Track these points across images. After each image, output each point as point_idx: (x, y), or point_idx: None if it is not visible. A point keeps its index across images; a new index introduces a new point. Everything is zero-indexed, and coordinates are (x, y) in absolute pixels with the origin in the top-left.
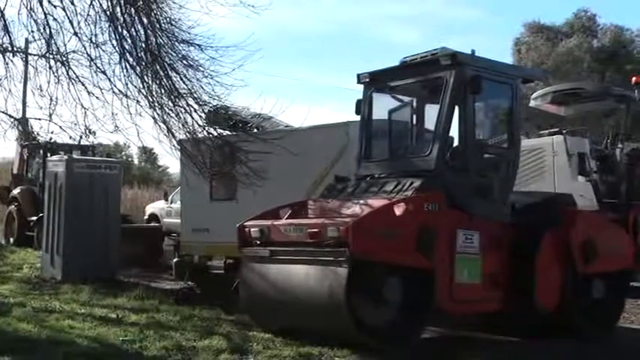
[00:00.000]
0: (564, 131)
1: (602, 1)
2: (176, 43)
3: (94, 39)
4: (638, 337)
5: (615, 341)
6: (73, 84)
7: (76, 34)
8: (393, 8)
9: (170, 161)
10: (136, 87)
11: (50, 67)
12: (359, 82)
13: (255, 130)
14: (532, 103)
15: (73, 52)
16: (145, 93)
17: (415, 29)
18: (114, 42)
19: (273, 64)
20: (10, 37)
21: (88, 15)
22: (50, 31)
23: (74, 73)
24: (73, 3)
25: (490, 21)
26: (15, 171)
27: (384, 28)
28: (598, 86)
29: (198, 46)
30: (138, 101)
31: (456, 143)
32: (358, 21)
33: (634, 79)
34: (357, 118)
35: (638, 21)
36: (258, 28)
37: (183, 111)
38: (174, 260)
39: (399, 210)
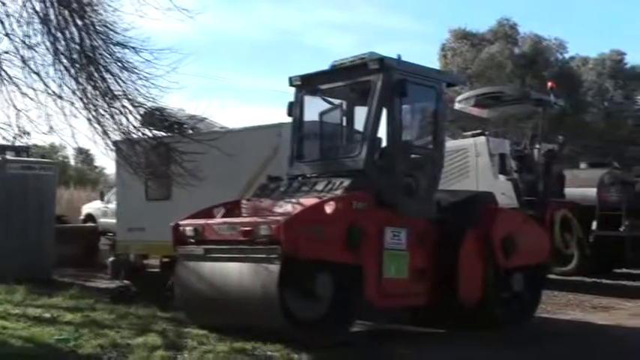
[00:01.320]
0: (487, 133)
1: (522, 11)
2: (111, 46)
3: (27, 40)
4: (553, 324)
5: (531, 329)
6: (5, 85)
7: (7, 35)
8: (328, 15)
9: (106, 162)
10: (70, 88)
11: None
12: (291, 84)
13: (190, 132)
14: (457, 106)
15: (6, 52)
16: (79, 94)
17: (350, 36)
18: (47, 43)
19: (209, 67)
20: None
21: (20, 16)
22: None
23: (7, 73)
24: (4, 4)
25: (420, 28)
26: None
27: (319, 34)
28: (518, 90)
29: (133, 48)
30: (72, 103)
31: (384, 144)
32: (293, 27)
33: (549, 84)
34: (290, 119)
35: (555, 31)
36: (194, 33)
37: (118, 112)
38: (110, 259)
39: (329, 208)
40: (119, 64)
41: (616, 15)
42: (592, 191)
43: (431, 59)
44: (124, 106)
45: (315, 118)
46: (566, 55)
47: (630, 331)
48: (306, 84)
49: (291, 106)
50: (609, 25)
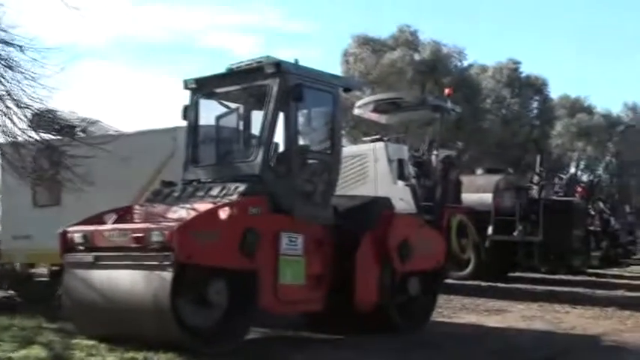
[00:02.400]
0: (385, 139)
1: (423, 19)
2: None
3: None
4: (448, 327)
5: (427, 333)
6: None
7: None
8: (231, 19)
9: None
10: None
11: None
12: (186, 87)
13: (82, 135)
14: (356, 111)
15: None
16: None
17: (254, 40)
18: None
19: (104, 68)
20: None
21: None
22: None
23: None
24: None
25: (323, 33)
26: None
27: (222, 37)
28: (416, 97)
29: (19, 46)
30: None
31: (280, 149)
32: (193, 29)
33: (447, 91)
34: (185, 123)
35: (454, 38)
36: (88, 32)
37: (2, 114)
38: None
39: (223, 214)
40: (3, 62)
41: (512, 24)
42: (488, 197)
43: (333, 65)
44: (8, 107)
45: (211, 122)
46: (465, 63)
47: (521, 333)
48: (202, 87)
49: (186, 109)
50: (506, 34)
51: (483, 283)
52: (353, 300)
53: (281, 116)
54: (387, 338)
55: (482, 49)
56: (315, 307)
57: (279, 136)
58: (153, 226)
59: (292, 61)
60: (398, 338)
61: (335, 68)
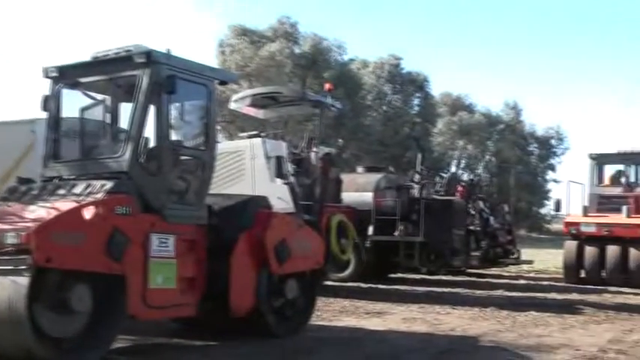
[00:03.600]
0: (263, 135)
1: (303, 10)
2: None
3: None
4: (327, 331)
5: (306, 337)
6: None
7: None
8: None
9: None
10: None
11: None
12: (46, 76)
13: None
14: (232, 106)
15: None
16: None
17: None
18: None
19: None
20: None
21: None
22: None
23: None
24: None
25: (198, 22)
26: None
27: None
28: (295, 91)
29: None
30: None
31: (151, 145)
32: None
33: (327, 86)
34: (45, 115)
35: (335, 32)
36: None
37: None
38: None
39: (87, 213)
40: None
41: (393, 19)
42: (368, 196)
43: (208, 56)
44: None
45: (75, 114)
46: (346, 57)
47: (401, 335)
48: (64, 76)
49: (46, 99)
50: (387, 29)
51: (364, 285)
52: (227, 304)
53: (151, 109)
54: (263, 344)
55: (363, 43)
56: (187, 312)
57: (149, 131)
58: (7, 227)
59: (164, 50)
60: (275, 344)
61: (210, 60)
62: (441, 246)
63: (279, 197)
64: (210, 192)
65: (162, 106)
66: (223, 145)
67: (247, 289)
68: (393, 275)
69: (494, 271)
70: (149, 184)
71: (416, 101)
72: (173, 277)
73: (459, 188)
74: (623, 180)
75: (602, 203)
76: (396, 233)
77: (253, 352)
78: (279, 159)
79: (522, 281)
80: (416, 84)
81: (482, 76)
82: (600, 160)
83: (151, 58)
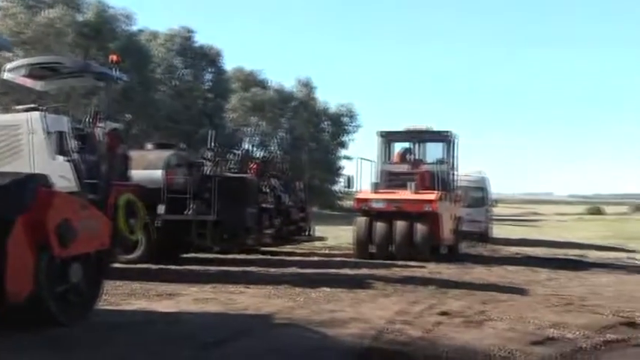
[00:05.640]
0: (42, 108)
1: None
2: None
3: None
4: (116, 315)
5: (93, 322)
6: None
7: None
8: None
9: None
10: None
11: None
12: None
13: None
14: (6, 76)
15: None
16: None
17: None
18: None
19: None
20: None
21: None
22: None
23: None
24: None
25: None
26: None
27: None
28: (77, 62)
29: None
30: None
31: None
32: None
33: (113, 57)
34: None
35: (124, 0)
36: None
37: None
38: None
39: None
40: None
41: None
42: (158, 173)
43: None
44: None
45: None
46: (135, 28)
47: (194, 316)
48: None
49: None
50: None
51: (154, 266)
52: (3, 290)
53: None
54: (44, 332)
55: (153, 14)
56: None
57: None
58: None
59: None
60: (59, 331)
61: None
62: (234, 224)
63: (61, 175)
64: None
65: None
66: None
67: (25, 273)
68: (185, 255)
69: (287, 248)
70: None
71: (209, 76)
72: None
73: (252, 166)
74: (409, 157)
75: (391, 180)
76: (188, 212)
77: (32, 343)
78: (60, 134)
79: (315, 258)
80: (208, 58)
81: (276, 52)
82: (389, 138)
83: None
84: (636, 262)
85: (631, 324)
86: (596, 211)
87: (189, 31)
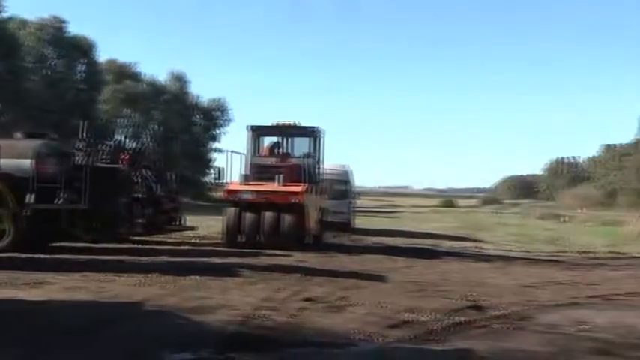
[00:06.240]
0: None
1: None
2: None
3: None
4: None
5: None
6: None
7: None
8: None
9: None
10: None
11: None
12: None
13: None
14: None
15: None
16: None
17: None
18: None
19: None
20: None
21: None
22: None
23: None
24: None
25: None
26: None
27: None
28: None
29: None
30: None
31: None
32: None
33: None
34: None
35: None
36: None
37: None
38: None
39: None
40: None
41: None
42: (28, 163)
43: None
44: None
45: None
46: (5, 15)
47: (63, 304)
48: None
49: None
50: None
51: (23, 255)
52: None
53: None
54: None
55: (23, 1)
56: None
57: None
58: None
59: None
60: None
61: None
62: (105, 214)
63: None
64: None
65: None
66: None
67: None
68: (55, 244)
69: (158, 237)
70: None
71: (81, 67)
72: None
73: (124, 157)
74: (277, 151)
75: (260, 172)
76: (59, 201)
77: None
78: None
79: (186, 247)
80: (81, 49)
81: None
82: (258, 132)
83: None
84: (483, 250)
85: (477, 307)
86: (449, 204)
87: (61, 21)
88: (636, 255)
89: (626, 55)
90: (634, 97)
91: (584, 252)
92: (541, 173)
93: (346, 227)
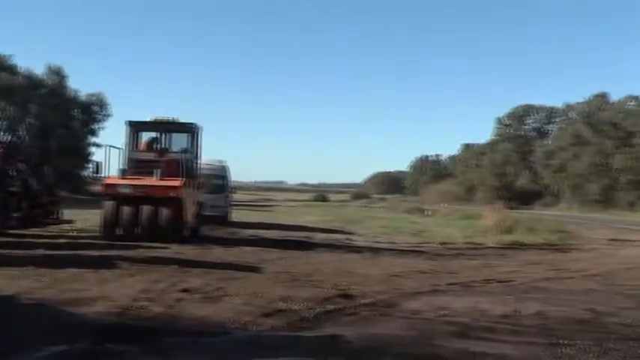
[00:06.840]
0: None
1: None
2: None
3: None
4: None
5: None
6: None
7: None
8: None
9: None
10: None
11: None
12: None
13: None
14: None
15: None
16: None
17: None
18: None
19: None
20: None
21: None
22: None
23: None
24: None
25: None
26: None
27: None
28: None
29: None
30: None
31: None
32: None
33: None
34: None
35: None
36: None
37: None
38: None
39: None
40: None
41: None
42: None
43: None
44: None
45: None
46: None
47: None
48: None
49: None
50: None
51: None
52: None
53: None
54: None
55: None
56: None
57: None
58: None
59: None
60: None
61: None
62: None
63: None
64: None
65: None
66: None
67: None
68: None
69: (35, 231)
70: None
71: None
72: None
73: None
74: (156, 146)
75: (138, 167)
76: None
77: None
78: None
79: (63, 240)
80: None
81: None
82: (137, 128)
83: None
84: (353, 242)
85: (346, 296)
86: (322, 199)
87: None
88: (491, 245)
89: (485, 61)
90: (491, 100)
91: (445, 243)
92: (407, 170)
93: (223, 220)
